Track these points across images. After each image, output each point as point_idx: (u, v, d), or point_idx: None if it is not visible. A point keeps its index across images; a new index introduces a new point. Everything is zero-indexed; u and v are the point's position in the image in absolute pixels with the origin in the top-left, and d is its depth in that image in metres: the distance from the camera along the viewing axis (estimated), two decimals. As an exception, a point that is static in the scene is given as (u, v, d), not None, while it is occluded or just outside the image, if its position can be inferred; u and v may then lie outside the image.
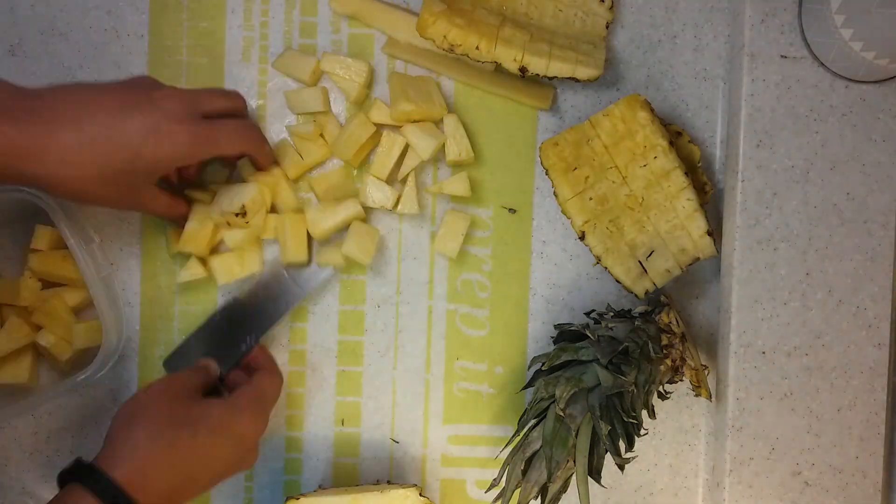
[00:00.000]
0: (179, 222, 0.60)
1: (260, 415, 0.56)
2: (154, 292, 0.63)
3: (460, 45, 0.59)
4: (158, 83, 0.56)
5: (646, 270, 0.60)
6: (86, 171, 0.50)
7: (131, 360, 0.64)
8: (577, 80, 0.61)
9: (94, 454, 0.63)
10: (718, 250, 0.63)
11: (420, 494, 0.59)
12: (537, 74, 0.60)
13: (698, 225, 0.60)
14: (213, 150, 0.56)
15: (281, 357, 0.64)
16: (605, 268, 0.61)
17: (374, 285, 0.64)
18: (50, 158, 0.49)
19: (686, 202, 0.59)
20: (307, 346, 0.64)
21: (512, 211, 0.64)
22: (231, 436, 0.53)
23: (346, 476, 0.64)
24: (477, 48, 0.59)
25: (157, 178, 0.55)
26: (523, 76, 0.60)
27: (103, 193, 0.52)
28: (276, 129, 0.64)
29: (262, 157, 0.60)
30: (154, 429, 0.50)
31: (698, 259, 0.60)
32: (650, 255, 0.60)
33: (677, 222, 0.60)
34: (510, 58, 0.60)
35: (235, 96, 0.60)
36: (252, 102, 0.64)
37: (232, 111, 0.58)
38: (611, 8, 0.62)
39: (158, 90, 0.54)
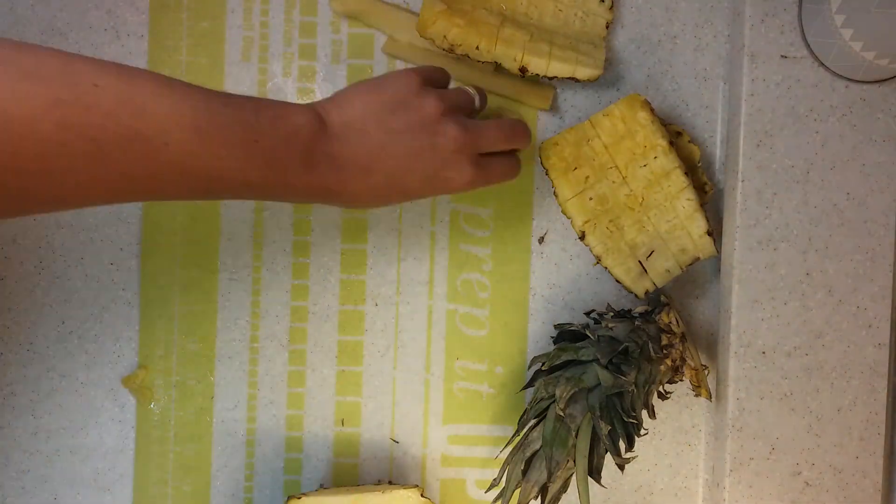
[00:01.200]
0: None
1: (475, 175, 0.55)
2: (154, 292, 0.63)
3: (460, 45, 0.59)
4: (441, 102, 0.55)
5: (646, 270, 0.60)
6: (370, 202, 0.54)
7: (131, 360, 0.63)
8: (577, 81, 0.61)
9: (96, 454, 0.63)
10: (718, 250, 0.63)
11: (421, 495, 0.59)
12: (537, 74, 0.60)
13: (698, 225, 0.60)
14: (484, 185, 0.57)
15: (280, 357, 0.64)
16: (605, 268, 0.61)
17: (373, 285, 0.64)
18: (340, 200, 0.53)
19: (686, 202, 0.59)
20: (307, 346, 0.64)
21: (541, 240, 0.64)
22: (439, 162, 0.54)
23: (346, 476, 0.64)
24: (477, 48, 0.59)
25: None
26: (523, 76, 0.60)
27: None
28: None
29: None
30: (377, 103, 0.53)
31: (698, 259, 0.60)
32: (650, 255, 0.60)
33: (677, 222, 0.60)
34: (510, 58, 0.60)
35: (522, 132, 0.58)
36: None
37: (512, 147, 0.58)
38: (611, 8, 0.62)
39: (441, 125, 0.54)
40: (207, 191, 0.48)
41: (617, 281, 0.61)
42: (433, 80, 0.56)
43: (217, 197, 0.50)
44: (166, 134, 0.44)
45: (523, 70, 0.60)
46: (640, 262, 0.60)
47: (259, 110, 0.49)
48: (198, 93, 0.47)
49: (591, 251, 0.60)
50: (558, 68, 0.60)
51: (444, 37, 0.59)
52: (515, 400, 0.65)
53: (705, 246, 0.60)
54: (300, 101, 0.64)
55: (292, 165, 0.50)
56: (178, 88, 0.46)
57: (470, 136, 0.54)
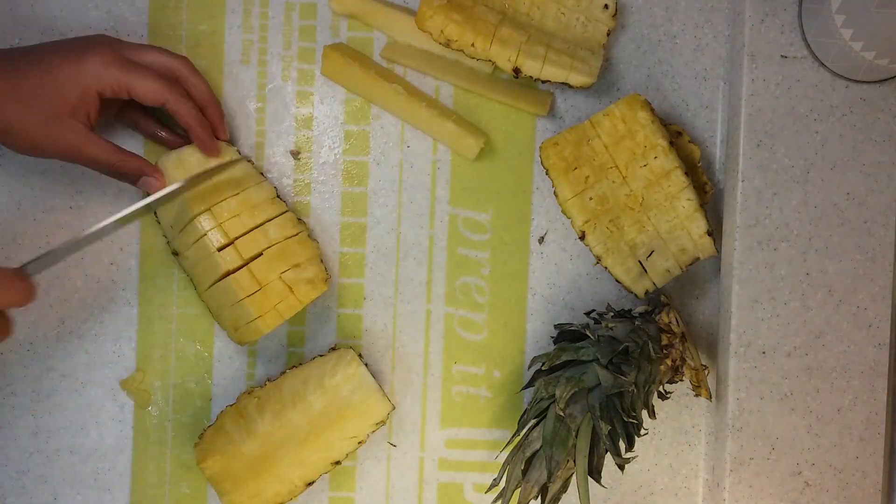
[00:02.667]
0: (132, 180, 0.59)
1: None
2: (153, 292, 0.63)
3: (456, 41, 0.59)
4: (111, 41, 0.58)
5: (646, 270, 0.60)
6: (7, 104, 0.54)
7: (130, 360, 0.63)
8: (569, 87, 0.61)
9: (95, 454, 0.63)
10: (718, 250, 0.63)
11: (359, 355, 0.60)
12: (531, 77, 0.60)
13: (698, 225, 0.60)
14: (123, 79, 0.56)
15: (279, 359, 0.64)
16: (605, 268, 0.61)
17: (373, 285, 0.64)
18: None
19: (686, 202, 0.59)
20: (304, 350, 0.64)
21: (541, 240, 0.64)
22: None
23: (344, 479, 0.64)
24: (472, 45, 0.59)
25: (81, 114, 0.56)
26: (517, 77, 0.60)
27: (20, 117, 0.55)
28: (276, 130, 0.64)
29: (191, 119, 0.59)
30: None
31: (698, 259, 0.60)
32: (650, 254, 0.60)
33: (677, 222, 0.60)
34: (504, 57, 0.60)
35: (174, 59, 0.59)
36: (251, 104, 0.64)
37: (164, 68, 0.59)
38: (614, 15, 0.62)
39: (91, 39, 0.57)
40: None
41: (617, 281, 0.61)
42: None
43: None
44: None
45: (517, 71, 0.60)
46: (640, 262, 0.60)
47: None
48: None
49: (591, 251, 0.60)
50: (552, 72, 0.60)
51: (441, 31, 0.59)
52: (513, 404, 0.65)
53: (705, 246, 0.60)
54: (298, 107, 0.64)
55: None
56: None
57: (120, 44, 0.58)
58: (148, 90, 0.57)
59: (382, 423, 0.60)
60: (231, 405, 0.60)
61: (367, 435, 0.60)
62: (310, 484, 0.59)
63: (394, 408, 0.61)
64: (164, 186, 0.58)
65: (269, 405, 0.59)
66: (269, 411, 0.59)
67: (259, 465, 0.58)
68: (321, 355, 0.60)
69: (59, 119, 0.55)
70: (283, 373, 0.60)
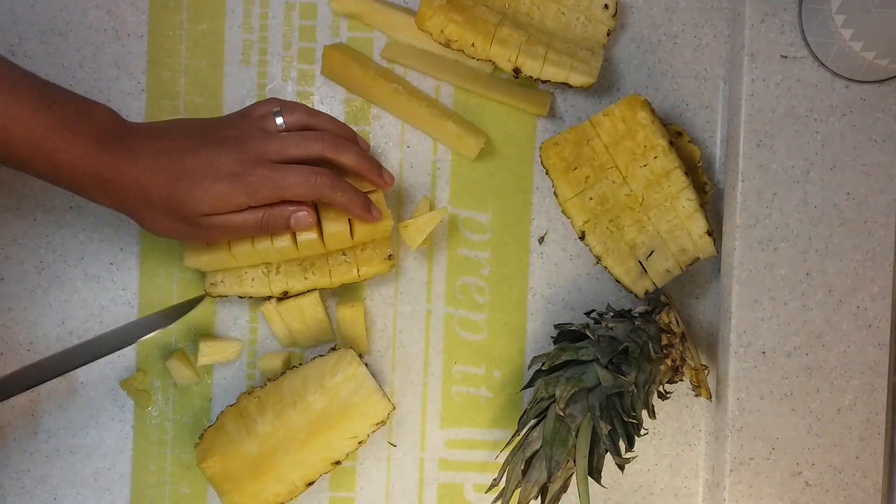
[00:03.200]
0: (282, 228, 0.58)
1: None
2: (154, 293, 0.63)
3: (456, 41, 0.59)
4: (238, 119, 0.58)
5: (646, 270, 0.60)
6: (151, 195, 0.53)
7: (130, 361, 0.63)
8: (569, 87, 0.61)
9: (95, 454, 0.63)
10: (718, 250, 0.63)
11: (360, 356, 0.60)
12: (531, 77, 0.60)
13: (698, 225, 0.60)
14: (280, 193, 0.55)
15: (279, 359, 0.64)
16: (605, 268, 0.61)
17: (372, 284, 0.64)
18: (127, 175, 0.53)
19: (686, 202, 0.59)
20: (305, 349, 0.64)
21: (540, 240, 0.64)
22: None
23: (344, 479, 0.64)
24: (472, 45, 0.59)
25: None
26: (517, 77, 0.60)
27: (168, 225, 0.55)
28: (275, 129, 0.64)
29: (354, 207, 0.57)
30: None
31: (698, 259, 0.60)
32: (650, 255, 0.60)
33: (677, 222, 0.60)
34: (505, 57, 0.60)
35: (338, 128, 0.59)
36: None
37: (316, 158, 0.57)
38: (614, 15, 0.62)
39: (233, 127, 0.56)
40: None
41: (617, 281, 0.61)
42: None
43: (12, 159, 0.52)
44: None
45: (517, 71, 0.60)
46: (639, 262, 0.60)
47: (61, 90, 0.53)
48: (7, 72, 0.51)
49: (591, 251, 0.60)
50: (552, 72, 0.60)
51: (441, 31, 0.59)
52: (513, 404, 0.65)
53: (705, 246, 0.60)
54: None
55: (82, 137, 0.52)
56: None
57: (261, 135, 0.56)
58: (299, 195, 0.55)
59: (383, 422, 0.60)
60: (231, 405, 0.60)
61: (368, 435, 0.60)
62: (310, 484, 0.59)
63: (394, 407, 0.61)
64: (312, 218, 0.57)
65: (269, 405, 0.59)
66: (269, 411, 0.59)
67: (259, 465, 0.58)
68: (321, 355, 0.60)
69: (201, 227, 0.55)
70: (283, 373, 0.60)
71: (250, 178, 0.54)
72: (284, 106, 0.58)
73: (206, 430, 0.60)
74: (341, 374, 0.59)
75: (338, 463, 0.59)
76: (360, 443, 0.59)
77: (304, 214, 0.56)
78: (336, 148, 0.57)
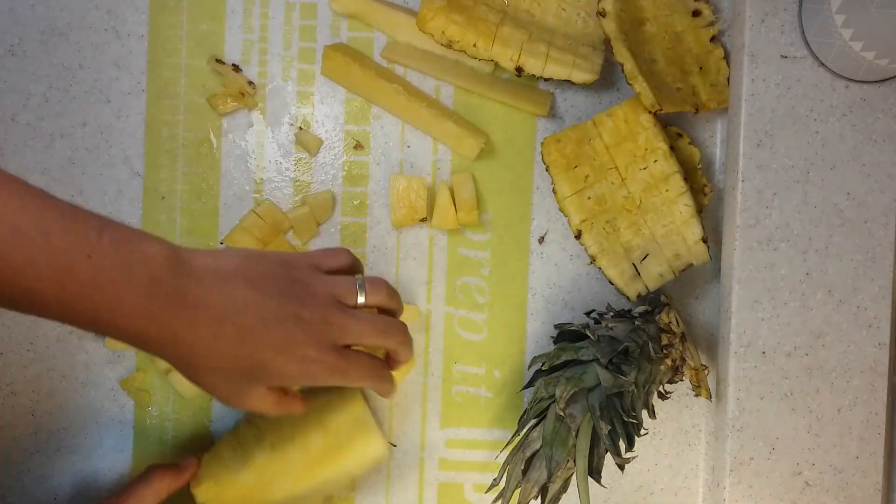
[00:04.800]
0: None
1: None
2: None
3: (458, 42, 0.59)
4: (316, 279, 0.51)
5: (639, 273, 0.60)
6: (208, 361, 0.47)
7: (130, 361, 0.63)
8: (571, 84, 0.61)
9: (95, 454, 0.63)
10: (714, 254, 0.63)
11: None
12: (533, 75, 0.60)
13: (694, 231, 0.60)
14: (341, 383, 0.52)
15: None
16: (600, 268, 0.60)
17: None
18: (182, 341, 0.46)
19: (683, 207, 0.59)
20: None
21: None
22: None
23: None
24: (474, 45, 0.59)
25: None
26: (519, 76, 0.60)
27: (218, 385, 0.49)
28: (276, 130, 0.64)
29: (386, 391, 0.56)
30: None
31: (692, 265, 0.61)
32: (644, 258, 0.60)
33: (673, 227, 0.60)
34: (507, 57, 0.60)
35: (398, 330, 0.54)
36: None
37: (386, 310, 0.54)
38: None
39: (313, 298, 0.50)
40: (14, 301, 0.43)
41: (610, 282, 0.61)
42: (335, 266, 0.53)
43: (45, 315, 0.44)
44: None
45: (519, 70, 0.60)
46: (633, 264, 0.60)
47: (104, 229, 0.43)
48: (37, 194, 0.42)
49: (587, 251, 0.60)
50: (554, 70, 0.60)
51: (443, 32, 0.59)
52: (513, 404, 0.65)
53: (700, 253, 0.60)
54: (298, 107, 0.64)
55: (128, 294, 0.43)
56: (14, 185, 0.41)
57: (340, 317, 0.50)
58: (356, 384, 0.54)
59: (379, 462, 0.59)
60: (230, 433, 0.60)
61: (363, 473, 0.59)
62: None
63: (395, 446, 0.62)
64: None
65: (267, 436, 0.58)
66: (267, 442, 0.58)
67: (252, 496, 0.58)
68: (326, 390, 0.59)
69: (252, 390, 0.50)
70: None
71: (322, 364, 0.50)
72: (369, 283, 0.53)
73: (201, 456, 0.59)
74: (344, 413, 0.58)
75: (330, 497, 0.59)
76: (353, 481, 0.58)
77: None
78: (405, 346, 0.54)
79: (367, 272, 0.64)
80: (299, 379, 0.50)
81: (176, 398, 0.64)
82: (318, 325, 0.49)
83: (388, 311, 0.54)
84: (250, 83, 0.63)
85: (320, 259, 0.53)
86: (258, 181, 0.64)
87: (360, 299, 0.52)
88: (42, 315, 0.44)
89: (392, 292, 0.54)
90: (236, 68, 0.63)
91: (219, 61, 0.62)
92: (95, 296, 0.43)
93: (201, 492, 0.58)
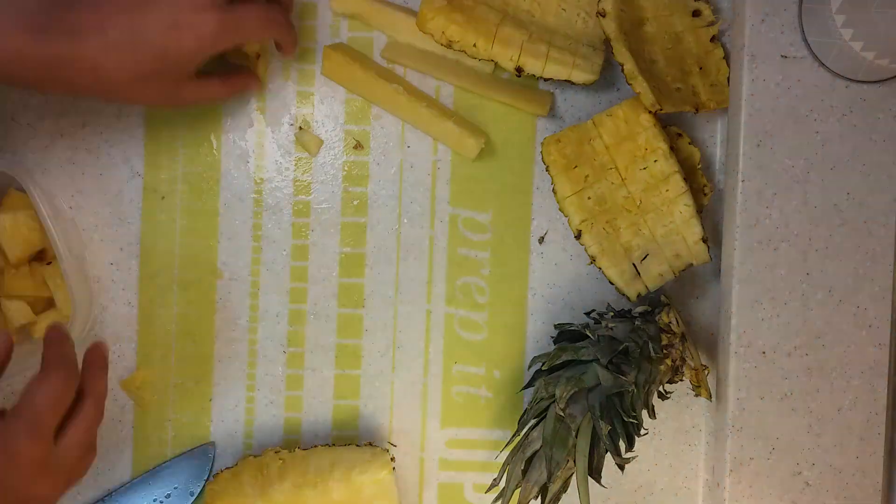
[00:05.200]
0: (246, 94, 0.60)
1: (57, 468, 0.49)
2: (154, 292, 0.63)
3: (458, 42, 0.59)
4: None
5: (639, 273, 0.60)
6: (117, 74, 0.51)
7: (130, 361, 0.63)
8: (571, 84, 0.61)
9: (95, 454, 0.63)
10: (714, 255, 0.63)
11: (392, 461, 0.60)
12: (533, 75, 0.60)
13: (694, 231, 0.60)
14: (239, 38, 0.54)
15: (279, 359, 0.64)
16: (600, 268, 0.60)
17: (373, 285, 0.64)
18: (80, 66, 0.49)
19: (683, 207, 0.59)
20: (304, 349, 0.64)
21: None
22: None
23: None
24: (474, 45, 0.59)
25: (193, 70, 0.54)
26: (519, 75, 0.60)
27: (144, 92, 0.53)
28: (276, 130, 0.64)
29: (287, 43, 0.59)
30: None
31: (691, 265, 0.61)
32: (644, 258, 0.60)
33: (673, 227, 0.60)
34: (507, 57, 0.60)
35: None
36: (252, 104, 0.64)
37: None
38: None
39: None
40: None
41: (610, 282, 0.61)
42: None
43: None
44: None
45: (519, 70, 0.60)
46: (633, 264, 0.60)
47: None
48: None
49: (587, 251, 0.60)
50: (554, 70, 0.60)
51: (443, 32, 0.59)
52: (513, 403, 0.65)
53: (699, 253, 0.60)
54: (298, 107, 0.64)
55: (17, 33, 0.47)
56: None
57: None
58: (262, 37, 0.57)
59: None
60: (255, 456, 0.60)
61: None
62: None
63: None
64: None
65: (290, 474, 0.59)
66: (289, 481, 0.59)
67: None
68: (358, 445, 0.61)
69: (179, 84, 0.54)
70: (314, 446, 0.61)
71: (211, 23, 0.52)
72: None
73: (222, 472, 0.60)
74: (370, 474, 0.59)
75: None
76: None
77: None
78: (289, 33, 0.58)
79: (368, 272, 0.64)
80: (204, 49, 0.52)
81: (176, 398, 0.64)
82: None
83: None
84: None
85: None
86: (258, 181, 0.64)
87: None
88: None
89: None
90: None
91: None
92: None
93: None
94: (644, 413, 0.58)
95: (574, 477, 0.55)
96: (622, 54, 0.57)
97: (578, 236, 0.60)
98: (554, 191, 0.60)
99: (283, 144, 0.64)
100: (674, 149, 0.60)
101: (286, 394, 0.64)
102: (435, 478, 0.65)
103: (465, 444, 0.65)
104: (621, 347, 0.56)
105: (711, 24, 0.62)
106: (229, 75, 0.59)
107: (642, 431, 0.57)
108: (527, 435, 0.56)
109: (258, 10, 0.55)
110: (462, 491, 0.65)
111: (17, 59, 0.48)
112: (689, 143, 0.63)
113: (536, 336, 0.65)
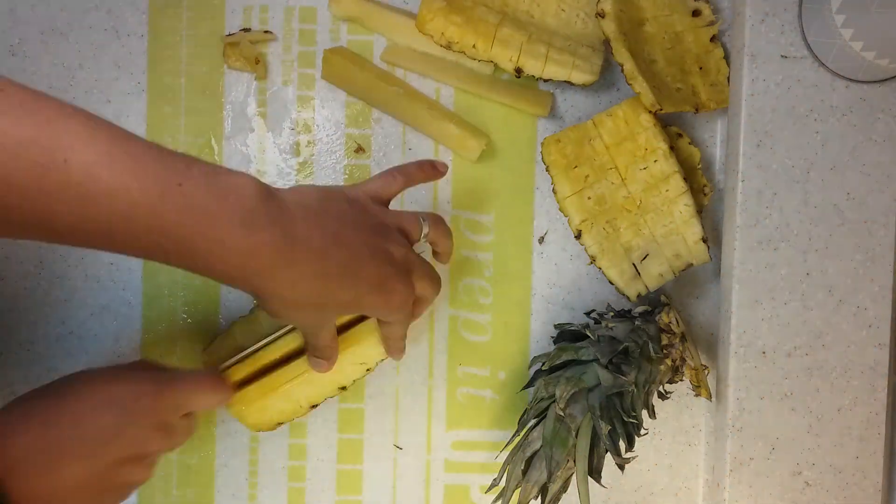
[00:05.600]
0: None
1: None
2: (154, 291, 0.63)
3: (457, 43, 0.59)
4: (381, 212, 0.53)
5: (639, 273, 0.60)
6: (305, 300, 0.47)
7: (129, 360, 0.63)
8: (570, 85, 0.61)
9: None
10: (714, 255, 0.63)
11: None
12: (533, 76, 0.60)
13: (694, 231, 0.60)
14: (406, 314, 0.54)
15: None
16: (600, 269, 0.61)
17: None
18: (281, 277, 0.45)
19: (683, 207, 0.60)
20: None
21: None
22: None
23: (350, 481, 0.64)
24: (473, 47, 0.59)
25: (334, 322, 0.55)
26: (519, 77, 0.60)
27: (302, 318, 0.51)
28: (277, 135, 0.64)
29: (419, 308, 0.57)
30: None
31: (691, 265, 0.61)
32: (644, 258, 0.60)
33: (673, 227, 0.60)
34: (506, 58, 0.60)
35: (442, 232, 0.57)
36: (252, 109, 0.64)
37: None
38: None
39: (392, 233, 0.52)
40: (111, 232, 0.40)
41: (610, 282, 0.61)
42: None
43: (136, 248, 0.42)
44: (68, 150, 0.38)
45: (519, 71, 0.60)
46: (633, 264, 0.60)
47: (192, 161, 0.42)
48: (122, 132, 0.41)
49: (587, 251, 0.60)
50: (554, 71, 0.60)
51: (442, 33, 0.59)
52: (518, 404, 0.65)
53: (700, 253, 0.60)
54: (299, 111, 0.64)
55: (224, 223, 0.42)
56: (102, 125, 0.40)
57: (411, 254, 0.52)
58: (428, 299, 0.56)
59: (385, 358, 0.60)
60: (243, 316, 0.60)
61: (376, 363, 0.59)
62: (314, 406, 0.59)
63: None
64: None
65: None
66: (282, 327, 0.58)
67: (268, 381, 0.58)
68: None
69: (329, 322, 0.54)
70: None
71: (401, 297, 0.51)
72: (430, 217, 0.56)
73: (214, 338, 0.60)
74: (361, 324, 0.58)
75: (343, 388, 0.59)
76: (367, 370, 0.59)
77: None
78: (436, 293, 0.56)
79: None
80: (377, 312, 0.52)
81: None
82: (402, 259, 0.51)
83: (443, 247, 0.57)
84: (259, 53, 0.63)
85: (378, 189, 0.54)
86: (258, 182, 0.64)
87: (425, 229, 0.55)
88: (139, 249, 0.42)
89: (448, 229, 0.57)
90: (246, 31, 0.63)
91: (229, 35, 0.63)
92: (189, 224, 0.41)
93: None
94: (644, 413, 0.58)
95: (574, 477, 0.55)
96: (622, 55, 0.57)
97: (578, 236, 0.60)
98: (554, 191, 0.60)
99: (285, 149, 0.64)
100: (674, 149, 0.60)
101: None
102: (441, 480, 0.65)
103: (471, 445, 0.65)
104: (621, 347, 0.56)
105: (711, 23, 0.62)
106: (336, 342, 0.56)
107: (642, 431, 0.57)
108: (527, 435, 0.56)
109: (430, 277, 0.54)
110: (468, 492, 0.65)
111: (218, 247, 0.42)
112: (689, 143, 0.63)
113: (540, 336, 0.65)
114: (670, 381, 0.60)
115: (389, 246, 0.50)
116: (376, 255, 0.49)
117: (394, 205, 0.64)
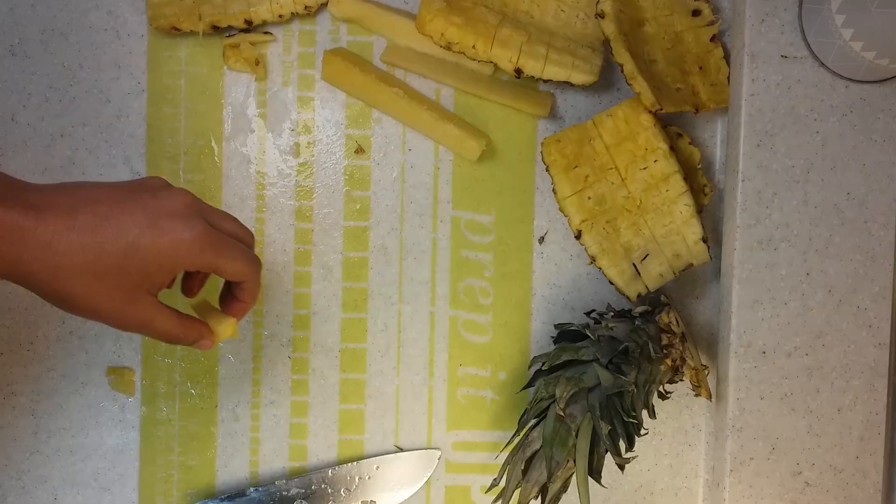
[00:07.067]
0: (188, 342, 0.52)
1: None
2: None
3: (457, 44, 0.59)
4: (167, 183, 0.49)
5: (639, 273, 0.60)
6: (72, 259, 0.43)
7: (133, 360, 0.63)
8: (570, 85, 0.61)
9: (95, 454, 0.63)
10: (714, 255, 0.63)
11: None
12: (532, 76, 0.60)
13: (694, 231, 0.60)
14: (215, 261, 0.48)
15: (282, 359, 0.64)
16: (600, 268, 0.61)
17: (374, 284, 0.64)
18: (33, 241, 0.42)
19: (683, 207, 0.59)
20: (309, 354, 0.64)
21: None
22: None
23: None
24: (473, 47, 0.59)
25: (157, 287, 0.47)
26: (518, 77, 0.60)
27: (94, 291, 0.45)
28: (277, 135, 0.64)
29: (252, 291, 0.52)
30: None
31: (691, 265, 0.61)
32: (644, 258, 0.60)
33: (673, 227, 0.60)
34: (506, 59, 0.60)
35: (247, 231, 0.52)
36: (252, 110, 0.64)
37: (240, 238, 0.51)
38: None
39: (165, 188, 0.48)
40: None
41: (610, 282, 0.61)
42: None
43: None
44: None
45: (518, 71, 0.60)
46: (633, 264, 0.60)
47: None
48: None
49: (587, 251, 0.60)
50: (553, 72, 0.60)
51: (442, 34, 0.59)
52: (519, 404, 0.65)
53: (699, 253, 0.60)
54: (299, 112, 0.64)
55: None
56: None
57: (201, 206, 0.48)
58: (235, 270, 0.49)
59: None
60: None
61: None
62: None
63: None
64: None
65: None
66: None
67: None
68: None
69: (136, 297, 0.46)
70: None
71: (194, 234, 0.46)
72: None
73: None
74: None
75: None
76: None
77: (208, 343, 0.52)
78: (257, 281, 0.52)
79: (370, 274, 0.64)
80: (179, 258, 0.46)
81: (180, 395, 0.64)
82: (179, 198, 0.47)
83: (249, 289, 0.52)
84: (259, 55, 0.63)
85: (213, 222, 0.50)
86: (260, 186, 0.64)
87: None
88: None
89: (246, 229, 0.52)
90: (248, 24, 0.62)
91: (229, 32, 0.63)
92: None
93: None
94: (644, 413, 0.58)
95: (574, 477, 0.55)
96: (621, 55, 0.57)
97: (578, 236, 0.60)
98: (554, 191, 0.60)
99: (285, 150, 0.64)
100: (674, 149, 0.60)
101: (291, 398, 0.64)
102: (441, 480, 0.65)
103: (472, 446, 0.65)
104: (621, 347, 0.56)
105: (711, 23, 0.62)
106: (191, 319, 0.51)
107: (642, 431, 0.57)
108: (527, 435, 0.56)
109: (241, 245, 0.50)
110: (469, 493, 0.65)
111: None
112: (689, 143, 0.63)
113: (540, 337, 0.65)
114: (670, 381, 0.60)
115: (162, 199, 0.47)
116: (142, 200, 0.46)
117: (394, 207, 0.64)
